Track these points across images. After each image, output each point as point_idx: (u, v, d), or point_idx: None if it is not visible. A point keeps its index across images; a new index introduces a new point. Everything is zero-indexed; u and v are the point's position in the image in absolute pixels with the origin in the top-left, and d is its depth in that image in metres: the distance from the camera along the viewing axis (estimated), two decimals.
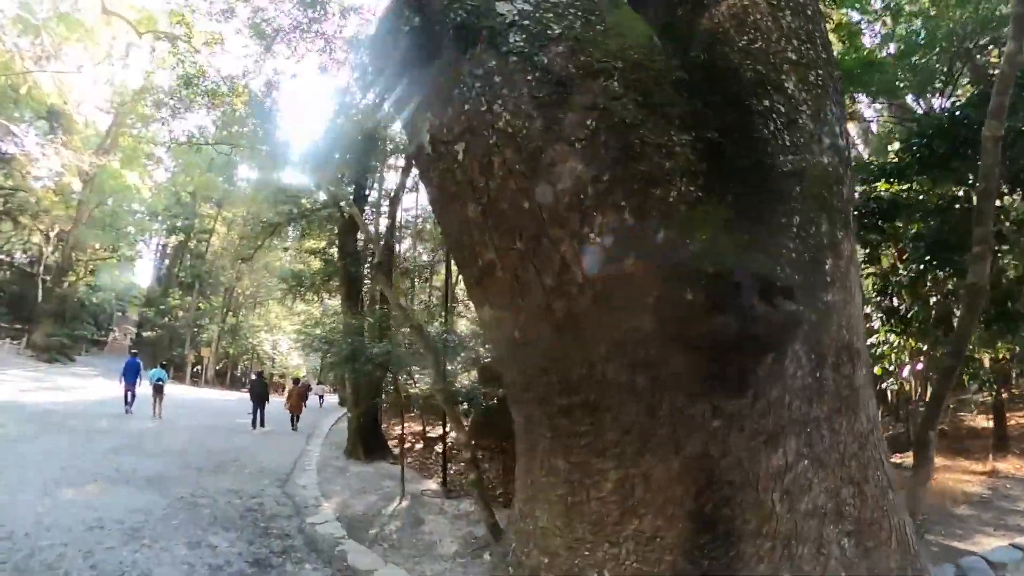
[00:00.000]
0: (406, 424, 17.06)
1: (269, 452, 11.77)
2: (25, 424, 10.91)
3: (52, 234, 35.86)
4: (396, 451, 12.46)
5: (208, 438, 12.57)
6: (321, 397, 29.01)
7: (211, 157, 39.30)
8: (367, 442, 12.44)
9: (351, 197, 13.89)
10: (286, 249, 41.54)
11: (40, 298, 32.80)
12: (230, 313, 41.64)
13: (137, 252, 45.26)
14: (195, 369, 39.08)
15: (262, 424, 15.87)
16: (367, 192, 16.00)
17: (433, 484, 9.88)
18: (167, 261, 47.97)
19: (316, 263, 20.25)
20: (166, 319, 40.00)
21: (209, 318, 41.12)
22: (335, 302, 38.32)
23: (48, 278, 34.12)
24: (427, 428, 15.07)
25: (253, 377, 19.85)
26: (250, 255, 24.45)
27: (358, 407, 12.66)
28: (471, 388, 10.01)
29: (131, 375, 15.45)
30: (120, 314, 46.19)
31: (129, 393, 15.32)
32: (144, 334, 40.46)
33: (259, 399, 16.14)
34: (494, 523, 5.20)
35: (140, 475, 8.12)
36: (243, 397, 29.25)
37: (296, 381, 19.37)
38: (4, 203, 37.05)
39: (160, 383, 15.49)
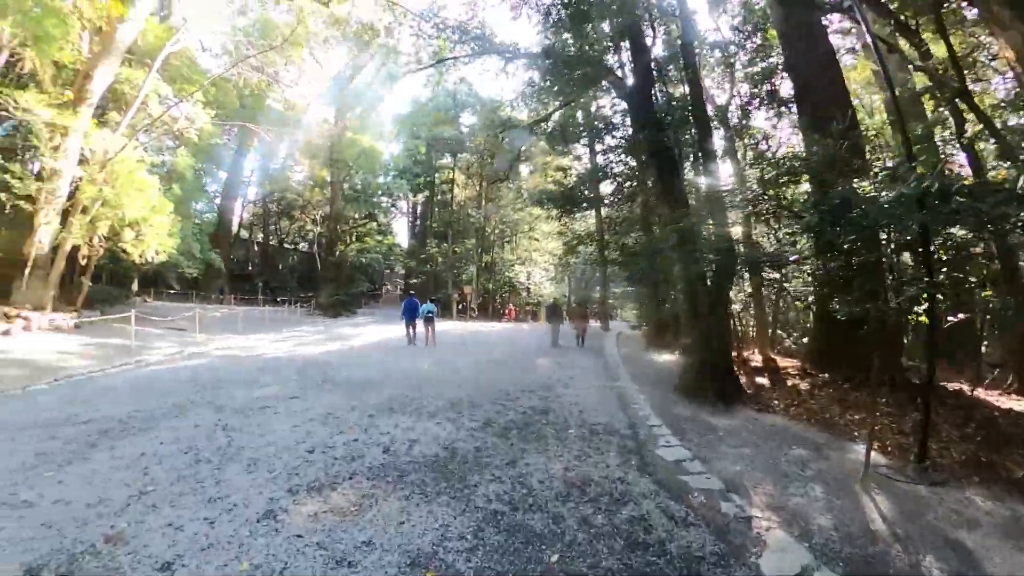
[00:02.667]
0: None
1: (578, 389, 8.67)
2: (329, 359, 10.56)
3: (318, 216, 43.37)
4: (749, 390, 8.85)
5: (496, 372, 10.57)
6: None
7: (439, 109, 41.49)
8: (719, 381, 8.27)
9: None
10: (532, 172, 42.76)
11: (320, 268, 39.26)
12: (483, 252, 42.59)
13: (391, 216, 49.90)
14: (459, 306, 40.91)
15: (554, 344, 16.64)
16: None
17: (874, 453, 5.27)
18: (418, 217, 52.46)
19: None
20: (427, 267, 43.42)
21: (465, 260, 43.07)
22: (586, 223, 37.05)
23: (322, 252, 40.53)
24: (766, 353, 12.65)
25: (550, 303, 20.94)
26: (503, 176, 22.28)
27: (702, 329, 8.63)
28: None
29: (410, 313, 16.50)
30: (388, 271, 51.12)
31: (411, 329, 16.46)
32: (410, 282, 43.76)
33: (555, 321, 17.48)
34: None
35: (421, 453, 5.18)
36: (506, 327, 29.06)
37: (580, 304, 20.12)
38: (278, 205, 46.23)
39: (431, 315, 16.61)
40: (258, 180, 46.81)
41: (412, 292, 18.51)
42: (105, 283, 23.23)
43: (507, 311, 40.90)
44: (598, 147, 23.19)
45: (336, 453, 5.07)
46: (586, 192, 24.90)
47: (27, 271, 15.35)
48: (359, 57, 30.92)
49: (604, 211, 26.20)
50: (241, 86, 28.49)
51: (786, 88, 14.40)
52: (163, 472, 4.51)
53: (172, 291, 32.14)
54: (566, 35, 13.91)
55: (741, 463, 5.21)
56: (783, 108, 15.25)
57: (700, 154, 11.21)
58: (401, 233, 54.72)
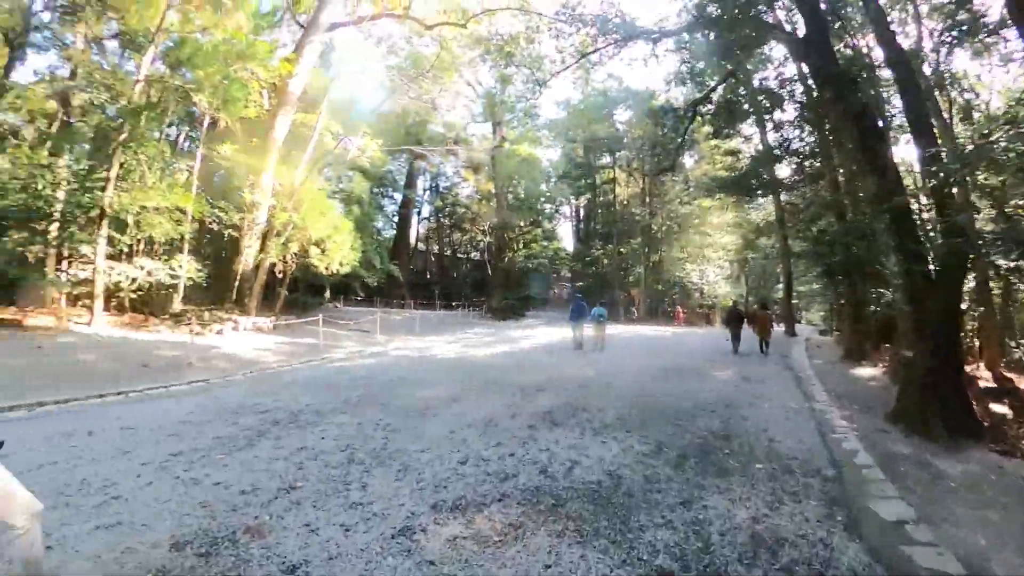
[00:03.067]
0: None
1: (765, 409, 7.24)
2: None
3: (487, 226, 45.36)
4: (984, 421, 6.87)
5: (670, 383, 9.31)
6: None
7: (592, 108, 40.91)
8: (948, 408, 6.41)
9: None
10: (698, 161, 40.25)
11: (490, 274, 41.40)
12: (650, 251, 40.70)
13: (555, 221, 50.86)
14: (628, 310, 39.67)
15: (735, 351, 15.43)
16: None
17: None
18: (582, 220, 52.27)
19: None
20: (592, 269, 42.63)
21: (632, 260, 41.49)
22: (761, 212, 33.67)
23: (492, 259, 42.85)
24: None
25: (731, 307, 19.44)
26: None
27: (926, 338, 6.80)
28: None
29: (578, 316, 15.89)
30: (555, 275, 51.58)
31: (578, 332, 15.78)
32: (576, 285, 43.55)
33: (735, 326, 16.02)
34: None
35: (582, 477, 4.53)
36: (677, 331, 27.57)
37: (764, 307, 17.91)
38: (450, 219, 50.57)
39: (603, 318, 15.93)
40: (430, 198, 50.72)
41: (579, 295, 17.92)
42: (301, 292, 26.45)
43: (676, 314, 38.69)
44: (768, 126, 21.26)
45: (489, 468, 4.66)
46: (763, 176, 22.51)
47: (236, 284, 18.54)
48: (507, 69, 31.90)
49: (783, 197, 23.48)
50: (403, 116, 31.31)
51: (996, 9, 10.39)
52: (316, 468, 4.55)
53: (359, 298, 35.55)
54: None
55: (986, 534, 3.73)
56: (994, 38, 11.14)
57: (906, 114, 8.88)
58: (566, 237, 55.32)
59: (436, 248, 53.72)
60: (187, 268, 16.93)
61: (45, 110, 16.44)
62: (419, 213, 50.61)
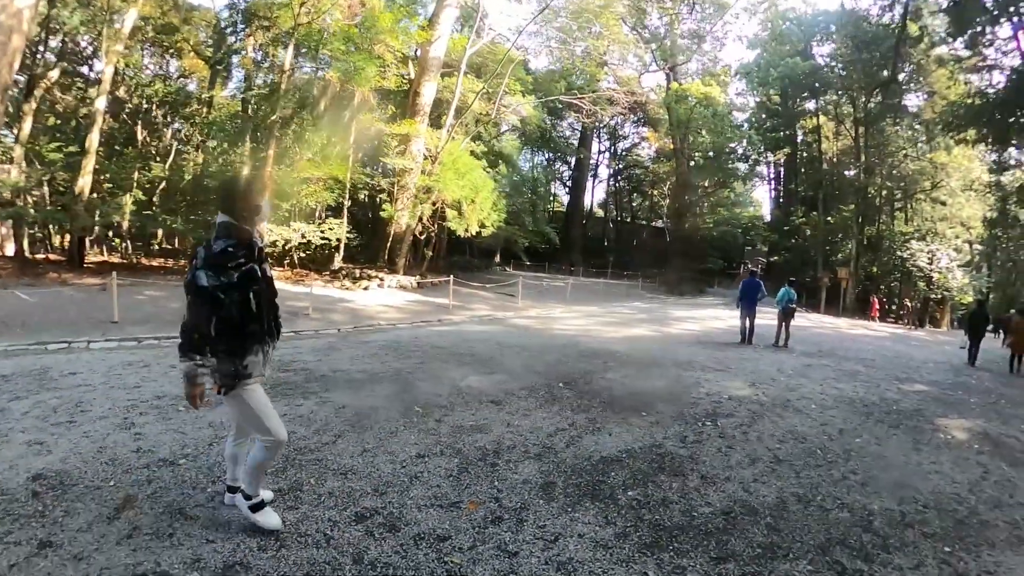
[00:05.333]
0: None
1: None
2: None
3: (666, 189, 42.35)
4: None
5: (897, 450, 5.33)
6: None
7: (784, 42, 34.23)
8: None
9: None
10: (930, 98, 31.26)
11: (668, 241, 37.55)
12: (864, 223, 33.12)
13: (751, 185, 45.17)
14: (844, 297, 31.85)
15: (972, 362, 11.97)
16: None
17: None
18: (781, 181, 45.21)
19: None
20: (792, 240, 36.57)
21: (842, 232, 34.12)
22: None
23: (667, 224, 39.40)
24: None
25: (975, 307, 13.98)
26: None
27: None
28: None
29: (748, 299, 11.89)
30: (749, 248, 45.88)
31: (747, 319, 11.83)
32: (771, 260, 38.24)
33: (978, 331, 12.29)
34: None
35: None
36: (896, 331, 21.52)
37: (1021, 312, 12.55)
38: (628, 183, 47.48)
39: (791, 306, 12.06)
40: (608, 161, 48.16)
41: (754, 271, 13.73)
42: (470, 255, 26.84)
43: (872, 305, 28.68)
44: None
45: None
46: None
47: (388, 245, 19.36)
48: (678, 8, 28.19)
49: None
50: (567, 74, 29.68)
51: None
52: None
53: (528, 263, 35.23)
54: None
55: None
56: None
57: None
58: (765, 203, 49.32)
59: (614, 214, 51.36)
60: (337, 231, 18.00)
61: (231, 111, 20.08)
62: (595, 176, 48.47)
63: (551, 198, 46.81)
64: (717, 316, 18.76)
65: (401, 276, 18.51)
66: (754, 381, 7.75)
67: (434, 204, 18.59)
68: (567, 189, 46.02)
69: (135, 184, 17.21)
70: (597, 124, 40.55)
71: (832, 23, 32.94)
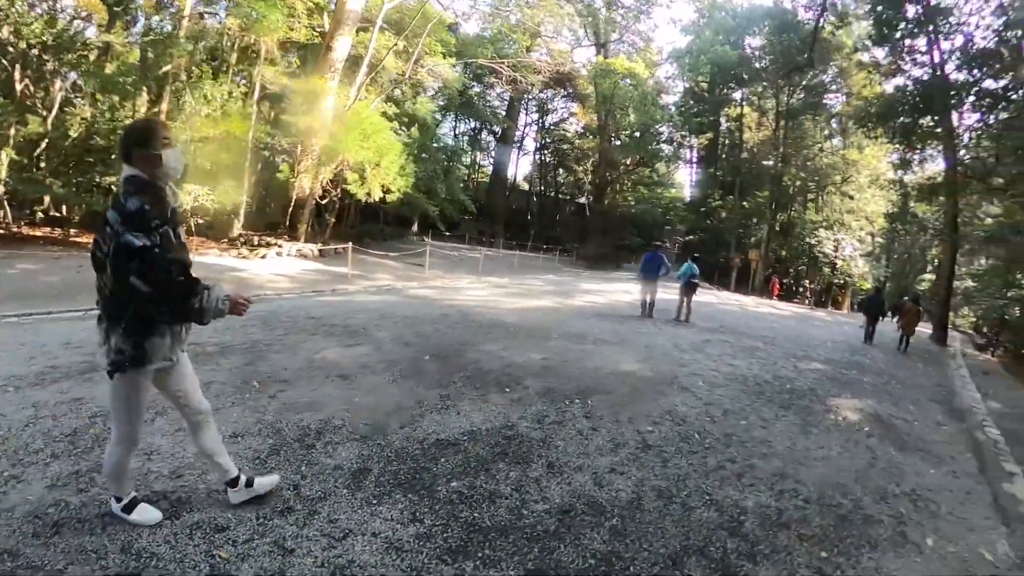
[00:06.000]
0: None
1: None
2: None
3: (589, 165, 41.65)
4: None
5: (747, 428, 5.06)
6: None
7: (719, 30, 34.83)
8: None
9: None
10: (847, 99, 33.20)
11: (589, 216, 37.26)
12: (778, 209, 34.57)
13: (673, 167, 46.08)
14: (754, 277, 33.68)
15: (868, 341, 12.80)
16: None
17: None
18: (701, 164, 46.44)
19: None
20: (708, 222, 37.27)
21: (756, 217, 35.36)
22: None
23: (588, 200, 38.84)
24: None
25: (872, 294, 15.53)
26: None
27: None
28: None
29: (649, 273, 11.80)
30: (669, 227, 46.83)
31: (648, 294, 11.84)
32: (688, 239, 39.55)
33: (874, 314, 13.27)
34: None
35: None
36: (798, 311, 22.64)
37: (914, 299, 14.40)
38: (554, 157, 47.00)
39: (694, 281, 11.96)
40: (534, 133, 47.62)
41: (657, 244, 13.85)
42: (384, 223, 25.43)
43: (772, 285, 30.70)
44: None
45: None
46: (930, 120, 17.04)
47: (289, 211, 18.08)
48: None
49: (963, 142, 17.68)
50: (496, 41, 28.74)
51: None
52: None
53: (448, 234, 34.21)
54: None
55: None
56: None
57: None
58: (687, 186, 50.31)
59: (539, 187, 51.18)
60: (233, 194, 16.48)
61: (128, 61, 17.73)
62: (520, 148, 48.00)
63: (476, 168, 45.97)
64: (627, 290, 18.45)
65: (302, 244, 17.31)
66: (646, 356, 7.40)
67: (338, 167, 17.26)
68: (491, 160, 45.27)
69: (11, 141, 14.86)
70: (525, 96, 39.89)
71: (763, 18, 33.59)
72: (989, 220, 18.30)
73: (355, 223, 22.76)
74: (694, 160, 47.69)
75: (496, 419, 4.27)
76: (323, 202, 18.43)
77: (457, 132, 43.90)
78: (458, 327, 7.88)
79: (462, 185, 35.60)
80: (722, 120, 40.44)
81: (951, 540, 3.41)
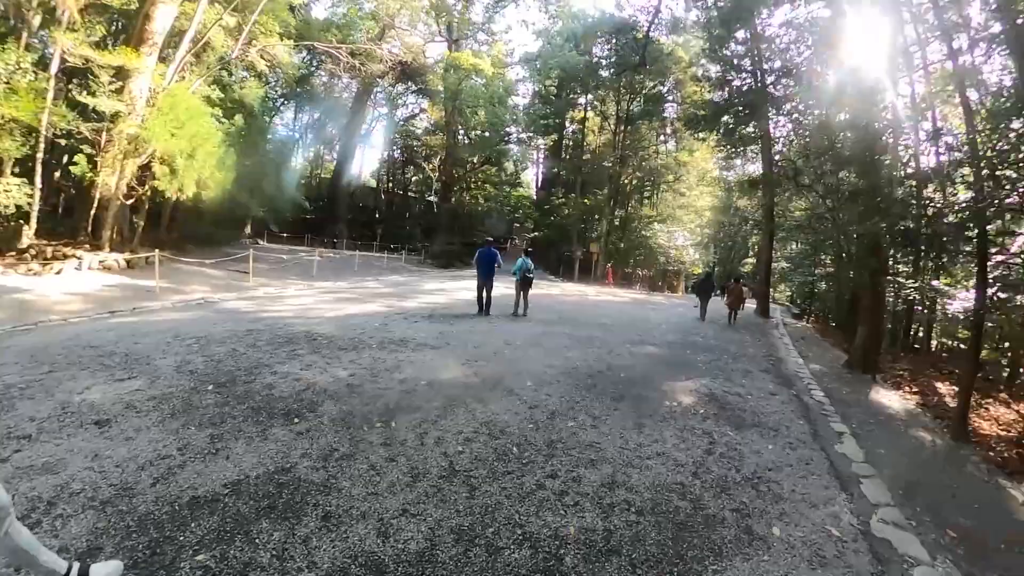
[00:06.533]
0: None
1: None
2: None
3: (436, 162, 41.26)
4: None
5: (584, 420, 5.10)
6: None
7: (569, 37, 36.31)
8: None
9: None
10: (681, 107, 36.25)
11: (436, 214, 36.70)
12: (616, 205, 37.22)
13: (522, 166, 47.10)
14: (594, 267, 35.92)
15: (703, 318, 14.93)
16: None
17: None
18: (548, 165, 47.98)
19: None
20: (552, 218, 38.88)
21: (597, 213, 37.68)
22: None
23: (436, 198, 38.13)
24: None
25: (703, 277, 18.57)
26: None
27: None
28: None
29: (484, 269, 11.60)
30: (518, 225, 47.94)
31: (484, 290, 11.59)
32: (532, 236, 40.94)
33: (705, 294, 15.74)
34: None
35: None
36: (637, 297, 24.24)
37: (737, 280, 16.91)
38: (405, 154, 45.88)
39: (528, 275, 11.94)
40: (383, 129, 46.09)
41: (490, 240, 12.78)
42: (213, 225, 22.73)
43: (607, 274, 32.93)
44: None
45: None
46: (750, 128, 19.45)
47: (92, 214, 15.22)
48: None
49: (778, 148, 20.36)
50: (345, 28, 27.35)
51: None
52: None
53: (286, 236, 31.83)
54: None
55: None
56: None
57: None
58: (534, 186, 51.63)
59: (388, 185, 49.71)
60: (15, 193, 13.41)
61: None
62: (367, 143, 46.59)
63: (319, 163, 43.51)
64: (470, 288, 18.47)
65: (107, 254, 14.71)
66: (473, 358, 7.13)
67: (147, 159, 14.91)
68: (334, 156, 43.01)
69: None
70: (375, 89, 38.46)
71: (606, 25, 35.34)
72: (799, 212, 21.42)
73: (174, 227, 19.94)
74: (541, 160, 49.34)
75: (272, 460, 3.73)
76: (129, 202, 15.82)
77: (299, 123, 41.14)
78: (260, 345, 6.96)
79: (303, 182, 33.39)
80: (567, 123, 42.23)
81: (797, 523, 3.47)
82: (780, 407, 6.39)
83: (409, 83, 39.04)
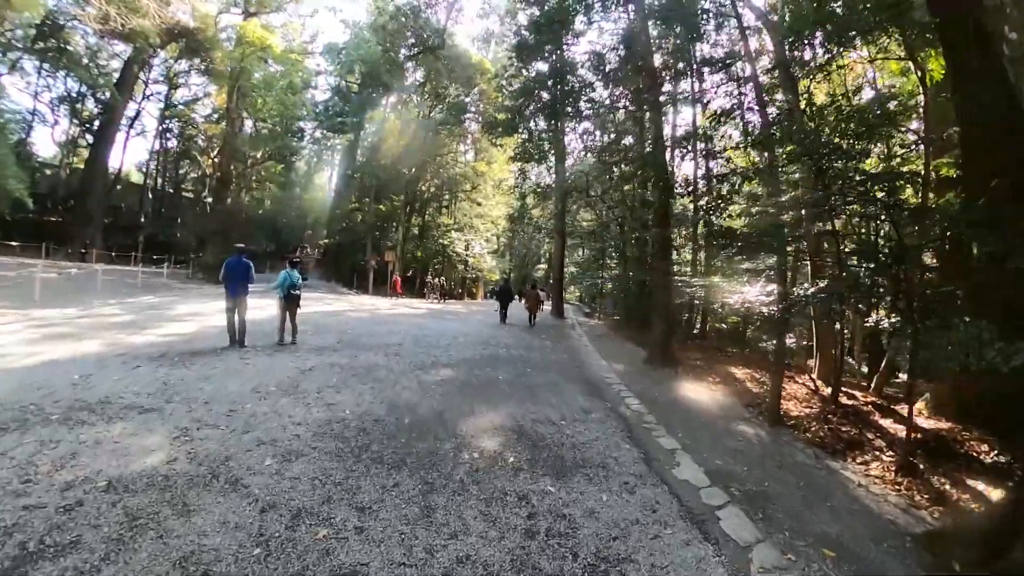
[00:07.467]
0: None
1: None
2: None
3: (212, 156, 36.19)
4: None
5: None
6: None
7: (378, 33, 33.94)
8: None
9: None
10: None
11: (209, 216, 31.67)
12: (413, 213, 35.65)
13: (315, 167, 43.02)
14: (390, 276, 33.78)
15: (503, 321, 16.28)
16: None
17: None
18: (344, 167, 44.53)
19: None
20: (345, 224, 36.57)
21: (394, 220, 36.17)
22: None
23: (210, 198, 33.27)
24: None
25: (502, 283, 20.78)
26: None
27: None
28: None
29: (232, 282, 8.80)
30: (310, 232, 43.84)
31: (233, 313, 8.80)
32: (327, 242, 38.19)
33: (505, 299, 17.16)
34: None
35: None
36: (433, 307, 23.25)
37: (533, 285, 19.06)
38: (180, 146, 39.95)
39: (295, 292, 9.48)
40: (156, 112, 38.41)
41: (241, 247, 9.52)
42: None
43: (394, 283, 29.24)
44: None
45: None
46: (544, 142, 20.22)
47: None
48: None
49: (569, 162, 21.09)
50: None
51: None
52: None
53: (16, 243, 23.98)
54: None
55: None
56: None
57: None
58: (329, 189, 47.91)
59: (159, 182, 41.74)
60: None
61: None
62: (132, 128, 37.66)
63: (72, 149, 34.71)
64: (254, 307, 15.29)
65: None
66: (196, 423, 4.84)
67: None
68: (88, 142, 34.31)
69: None
70: (148, 58, 31.51)
71: (411, 20, 33.86)
72: (586, 222, 22.74)
73: None
74: (337, 162, 45.78)
75: None
76: None
77: (41, 92, 32.34)
78: None
79: (49, 173, 25.53)
80: (366, 123, 39.48)
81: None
82: (600, 430, 5.75)
83: (195, 59, 32.86)
